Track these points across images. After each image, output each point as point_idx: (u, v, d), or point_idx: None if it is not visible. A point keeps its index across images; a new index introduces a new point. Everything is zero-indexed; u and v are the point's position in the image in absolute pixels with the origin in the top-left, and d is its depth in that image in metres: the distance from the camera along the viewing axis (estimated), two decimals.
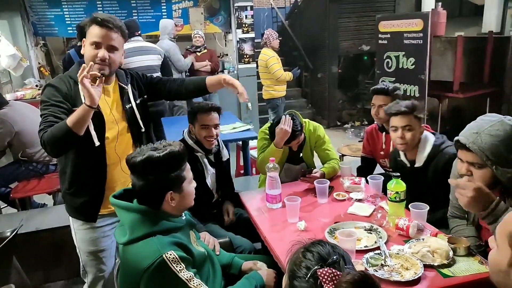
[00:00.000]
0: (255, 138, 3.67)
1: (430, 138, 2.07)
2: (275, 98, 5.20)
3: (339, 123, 6.62)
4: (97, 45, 1.65)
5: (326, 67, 7.01)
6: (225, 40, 6.56)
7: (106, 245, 1.86)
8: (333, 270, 0.88)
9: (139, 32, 4.23)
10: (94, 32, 1.65)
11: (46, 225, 2.70)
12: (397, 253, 1.56)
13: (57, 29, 5.51)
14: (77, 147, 1.66)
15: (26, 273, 2.24)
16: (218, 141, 2.35)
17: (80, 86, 1.55)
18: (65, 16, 5.45)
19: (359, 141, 5.88)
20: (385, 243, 1.64)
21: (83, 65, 1.55)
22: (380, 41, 5.26)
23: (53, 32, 5.56)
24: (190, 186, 1.47)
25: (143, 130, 1.86)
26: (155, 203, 1.39)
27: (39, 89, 4.87)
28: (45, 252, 2.67)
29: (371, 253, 1.57)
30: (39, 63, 5.59)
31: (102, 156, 1.73)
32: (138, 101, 1.86)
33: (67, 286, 2.70)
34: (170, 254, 1.28)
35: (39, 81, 5.29)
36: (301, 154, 2.53)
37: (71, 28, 5.45)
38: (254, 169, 3.91)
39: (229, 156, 2.56)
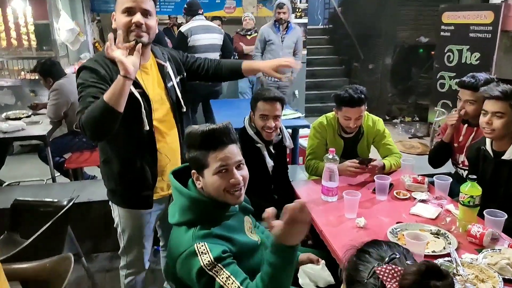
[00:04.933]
0: (305, 126, 3.59)
1: None
2: None
3: (388, 117, 6.35)
4: (130, 12, 1.52)
5: (379, 58, 6.73)
6: None
7: (150, 231, 1.83)
8: (394, 266, 0.80)
9: (202, 11, 4.26)
10: None
11: (98, 196, 2.74)
12: (470, 263, 1.43)
13: (113, 5, 5.58)
14: (126, 133, 1.58)
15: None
16: (280, 130, 2.21)
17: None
18: None
19: (409, 138, 5.63)
20: (455, 250, 1.51)
21: (110, 34, 1.44)
22: (442, 33, 4.96)
23: (109, 9, 5.64)
24: None
25: (184, 109, 1.76)
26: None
27: None
28: (95, 223, 2.73)
29: (440, 260, 1.45)
30: (94, 39, 5.73)
31: (152, 141, 1.64)
32: (177, 79, 1.76)
33: (114, 257, 2.75)
34: (201, 245, 1.23)
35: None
36: (357, 149, 2.41)
37: None
38: (301, 158, 3.82)
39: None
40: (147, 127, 1.58)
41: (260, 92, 2.12)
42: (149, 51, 1.70)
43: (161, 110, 1.68)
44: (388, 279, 0.78)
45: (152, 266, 2.60)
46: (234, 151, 1.33)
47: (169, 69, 1.73)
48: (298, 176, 3.22)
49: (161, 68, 1.70)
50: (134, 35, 1.53)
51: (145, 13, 1.55)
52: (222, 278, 1.20)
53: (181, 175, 1.43)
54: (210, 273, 1.20)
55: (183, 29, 4.20)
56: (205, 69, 1.88)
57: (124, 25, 1.53)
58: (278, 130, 2.17)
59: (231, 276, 1.21)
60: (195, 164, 1.34)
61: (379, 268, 0.80)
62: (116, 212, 1.78)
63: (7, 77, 4.71)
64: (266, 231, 1.69)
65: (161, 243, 2.08)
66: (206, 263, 1.20)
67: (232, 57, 4.63)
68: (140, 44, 1.47)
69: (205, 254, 1.22)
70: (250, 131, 2.12)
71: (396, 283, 0.77)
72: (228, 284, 1.20)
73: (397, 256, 0.84)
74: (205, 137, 1.30)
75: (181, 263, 1.24)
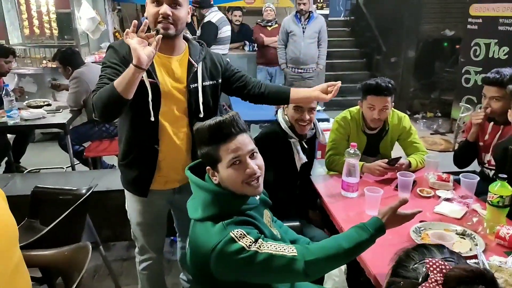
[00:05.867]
0: (325, 120, 3.53)
1: None
2: None
3: (409, 113, 6.20)
4: (158, 1, 1.50)
5: (401, 51, 6.56)
6: None
7: (154, 219, 1.80)
8: (445, 263, 0.77)
9: (212, 2, 4.26)
10: None
11: (115, 186, 2.75)
12: (499, 266, 1.36)
13: None
14: (132, 118, 1.59)
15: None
16: (314, 124, 2.15)
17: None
18: None
19: (431, 134, 5.49)
20: (483, 252, 1.45)
21: (134, 21, 1.41)
22: (469, 26, 4.80)
23: None
24: None
25: (201, 115, 1.64)
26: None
27: None
28: (112, 212, 2.74)
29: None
30: (114, 28, 5.76)
31: (155, 132, 1.60)
32: (206, 83, 1.67)
33: (131, 246, 2.77)
34: (237, 231, 1.20)
35: None
36: (379, 146, 2.34)
37: None
38: (319, 152, 3.76)
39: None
40: (153, 118, 1.55)
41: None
42: (183, 46, 1.65)
43: (172, 107, 1.61)
44: (434, 272, 0.76)
45: (168, 257, 2.63)
46: (245, 140, 1.28)
47: (199, 70, 1.64)
48: (317, 170, 3.17)
49: (190, 67, 1.63)
50: (161, 27, 1.50)
51: (173, 3, 1.51)
52: (269, 247, 1.19)
53: (195, 171, 1.40)
54: (252, 249, 1.18)
55: (213, 20, 4.18)
56: (244, 82, 1.77)
57: (152, 15, 1.51)
58: (312, 124, 2.12)
59: (278, 244, 1.22)
60: (208, 160, 1.31)
61: (431, 260, 0.78)
62: (125, 194, 1.80)
63: (29, 65, 4.78)
64: (283, 226, 1.66)
65: (177, 233, 2.07)
66: (248, 244, 1.18)
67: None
68: (160, 36, 1.40)
69: (244, 237, 1.19)
70: (284, 125, 2.06)
71: (441, 275, 0.75)
72: (280, 249, 1.20)
73: (455, 261, 0.81)
74: (213, 131, 1.26)
75: (218, 255, 1.19)
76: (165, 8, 1.49)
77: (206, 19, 4.21)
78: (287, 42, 4.61)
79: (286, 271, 1.20)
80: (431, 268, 0.76)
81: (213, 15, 4.20)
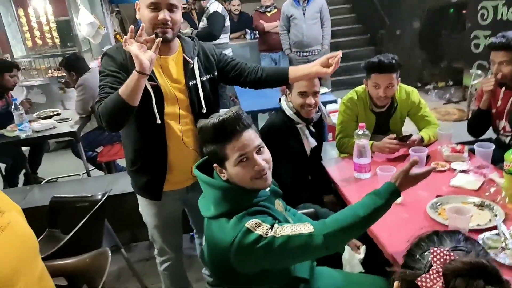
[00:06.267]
0: (333, 102, 3.48)
1: None
2: None
3: (419, 84, 6.08)
4: (155, 7, 1.47)
5: (405, 23, 6.40)
6: None
7: (169, 220, 1.82)
8: (450, 253, 0.74)
9: None
10: None
11: (131, 188, 2.76)
12: None
13: None
14: (137, 124, 1.58)
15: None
16: (319, 107, 2.13)
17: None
18: None
19: (444, 104, 5.39)
20: (503, 222, 1.42)
21: (131, 27, 1.40)
22: None
23: None
24: None
25: (204, 111, 1.65)
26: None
27: None
28: (131, 214, 2.76)
29: (487, 233, 1.37)
30: (114, 31, 5.76)
31: (162, 134, 1.61)
32: (204, 78, 1.67)
33: (152, 245, 2.80)
34: (252, 221, 1.21)
35: None
36: (389, 124, 2.31)
37: None
38: (330, 135, 3.73)
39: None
40: (159, 121, 1.56)
41: None
42: (176, 44, 1.64)
43: (175, 107, 1.62)
44: (438, 262, 0.73)
45: (189, 252, 2.65)
46: (250, 136, 1.28)
47: (195, 66, 1.64)
48: (328, 153, 3.15)
49: (186, 65, 1.63)
50: (159, 32, 1.49)
51: (171, 8, 1.50)
52: (285, 230, 1.20)
53: (204, 168, 1.40)
54: (270, 235, 1.19)
55: (219, 9, 4.20)
56: (239, 70, 1.75)
57: (149, 21, 1.50)
58: (317, 107, 2.09)
59: (293, 224, 1.23)
60: (214, 157, 1.31)
61: (436, 249, 0.76)
62: (138, 199, 1.83)
63: (36, 76, 4.82)
64: (298, 214, 1.66)
65: (194, 230, 2.09)
66: (265, 231, 1.19)
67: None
68: (159, 39, 1.40)
69: (260, 225, 1.20)
70: (289, 112, 2.04)
71: (441, 266, 0.72)
72: (296, 229, 1.21)
73: (466, 250, 0.79)
74: (218, 130, 1.25)
75: (237, 248, 1.20)
76: (164, 15, 1.48)
77: (211, 10, 4.20)
78: (289, 26, 4.55)
79: (306, 248, 1.20)
80: (435, 259, 0.74)
81: (216, 6, 4.22)
